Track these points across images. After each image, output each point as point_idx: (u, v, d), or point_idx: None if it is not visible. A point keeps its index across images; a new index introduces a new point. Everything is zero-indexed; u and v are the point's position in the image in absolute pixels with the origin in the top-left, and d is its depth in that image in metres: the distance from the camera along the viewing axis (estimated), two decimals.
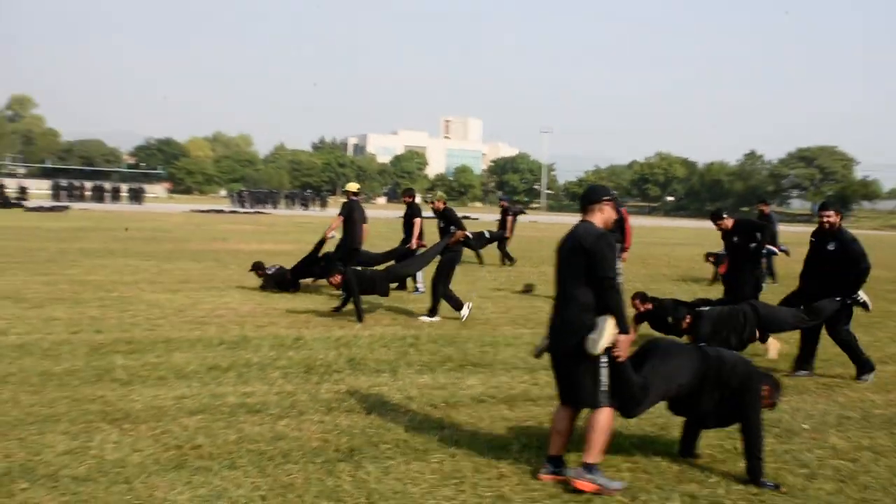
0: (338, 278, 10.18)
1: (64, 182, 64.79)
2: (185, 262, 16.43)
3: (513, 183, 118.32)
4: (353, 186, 13.53)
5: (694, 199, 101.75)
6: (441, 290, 10.50)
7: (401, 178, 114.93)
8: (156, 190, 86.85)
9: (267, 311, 10.61)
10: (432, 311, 10.46)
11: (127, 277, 13.49)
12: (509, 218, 19.42)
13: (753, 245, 9.59)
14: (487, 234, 18.47)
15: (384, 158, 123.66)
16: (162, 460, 4.87)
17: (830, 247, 7.98)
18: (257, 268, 12.96)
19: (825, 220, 8.04)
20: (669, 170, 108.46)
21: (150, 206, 56.63)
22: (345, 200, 13.18)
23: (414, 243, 13.07)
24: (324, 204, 66.92)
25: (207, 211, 47.45)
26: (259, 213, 52.05)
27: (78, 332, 8.73)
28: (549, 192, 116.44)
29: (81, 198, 58.52)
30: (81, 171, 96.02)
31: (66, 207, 42.68)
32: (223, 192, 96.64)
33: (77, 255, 17.09)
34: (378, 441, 5.40)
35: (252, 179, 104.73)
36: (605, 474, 4.72)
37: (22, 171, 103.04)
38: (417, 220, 13.19)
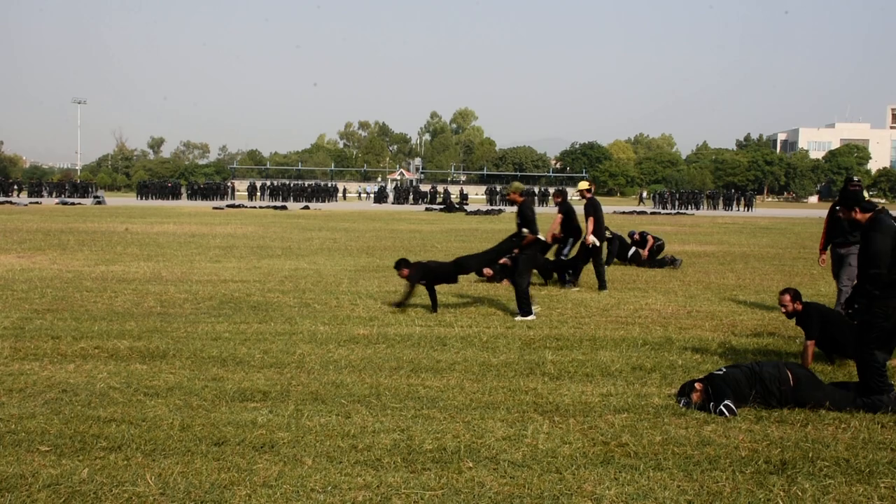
0: (406, 272, 10.37)
1: (498, 187, 70.33)
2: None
3: None
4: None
5: None
6: (523, 285, 10.04)
7: (836, 174, 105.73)
8: None
9: (691, 313, 10.43)
10: (524, 311, 9.98)
11: (554, 276, 14.16)
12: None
13: None
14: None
15: (817, 154, 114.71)
16: (590, 454, 5.02)
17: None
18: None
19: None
20: None
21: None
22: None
23: (548, 237, 13.10)
24: (749, 204, 63.83)
25: (629, 212, 48.12)
26: (681, 213, 51.54)
27: (512, 327, 9.38)
28: None
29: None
30: (513, 176, 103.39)
31: (500, 210, 46.31)
32: (644, 194, 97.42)
33: None
34: (814, 457, 4.99)
35: (673, 180, 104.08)
36: None
37: (463, 178, 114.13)
38: (558, 217, 13.24)
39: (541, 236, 10.42)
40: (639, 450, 5.10)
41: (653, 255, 16.52)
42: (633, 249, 16.77)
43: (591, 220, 12.81)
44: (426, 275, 10.45)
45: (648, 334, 8.97)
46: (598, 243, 12.73)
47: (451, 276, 10.76)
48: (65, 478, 4.50)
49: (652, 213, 48.21)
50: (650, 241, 16.74)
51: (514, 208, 10.56)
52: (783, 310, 7.74)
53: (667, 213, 49.85)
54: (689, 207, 61.79)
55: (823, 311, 7.74)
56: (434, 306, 10.33)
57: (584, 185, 13.72)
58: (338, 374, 6.99)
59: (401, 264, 10.52)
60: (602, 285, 12.60)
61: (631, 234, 17.45)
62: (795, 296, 7.70)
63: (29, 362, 7.25)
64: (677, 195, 66.73)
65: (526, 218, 10.33)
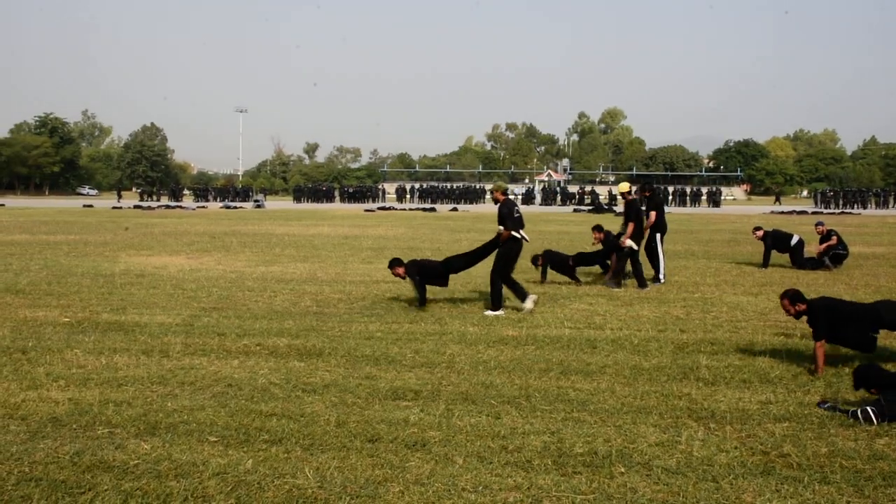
0: (400, 270, 10.74)
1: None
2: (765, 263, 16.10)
3: None
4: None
5: None
6: (497, 282, 10.31)
7: None
8: (734, 192, 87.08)
9: None
10: (494, 306, 10.26)
11: (709, 279, 13.74)
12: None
13: None
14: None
15: None
16: (748, 464, 4.82)
17: None
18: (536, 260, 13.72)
19: None
20: None
21: (727, 208, 57.00)
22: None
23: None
24: None
25: (789, 212, 45.98)
26: (846, 213, 48.78)
27: (664, 330, 9.14)
28: None
29: (664, 202, 61.65)
30: (664, 176, 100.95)
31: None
32: (804, 193, 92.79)
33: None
34: None
35: (837, 178, 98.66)
36: None
37: (611, 178, 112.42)
38: (652, 214, 13.20)
39: (522, 233, 10.66)
40: (802, 461, 4.85)
41: (824, 256, 15.31)
42: (795, 238, 15.66)
43: (631, 225, 12.78)
44: (420, 271, 10.76)
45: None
46: (635, 247, 12.75)
47: (441, 276, 10.95)
48: (231, 467, 4.75)
49: (814, 213, 45.82)
50: (833, 240, 15.30)
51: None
52: (786, 313, 7.52)
53: (830, 213, 47.26)
54: (856, 206, 58.38)
55: (831, 305, 7.43)
56: (422, 301, 10.59)
57: (624, 186, 13.64)
58: (487, 375, 7.03)
59: (394, 263, 10.93)
60: (618, 284, 12.65)
61: (818, 225, 16.22)
62: (795, 297, 7.41)
63: (198, 357, 7.70)
64: (841, 193, 63.17)
65: (501, 215, 10.60)
